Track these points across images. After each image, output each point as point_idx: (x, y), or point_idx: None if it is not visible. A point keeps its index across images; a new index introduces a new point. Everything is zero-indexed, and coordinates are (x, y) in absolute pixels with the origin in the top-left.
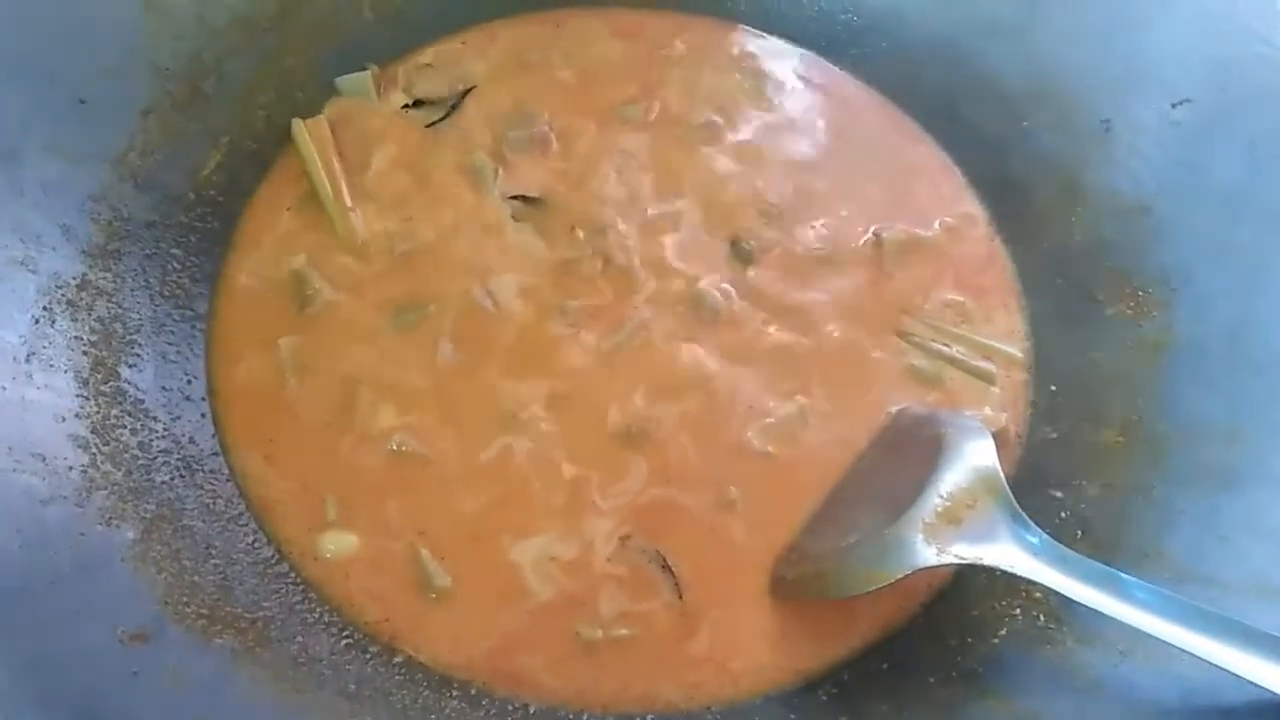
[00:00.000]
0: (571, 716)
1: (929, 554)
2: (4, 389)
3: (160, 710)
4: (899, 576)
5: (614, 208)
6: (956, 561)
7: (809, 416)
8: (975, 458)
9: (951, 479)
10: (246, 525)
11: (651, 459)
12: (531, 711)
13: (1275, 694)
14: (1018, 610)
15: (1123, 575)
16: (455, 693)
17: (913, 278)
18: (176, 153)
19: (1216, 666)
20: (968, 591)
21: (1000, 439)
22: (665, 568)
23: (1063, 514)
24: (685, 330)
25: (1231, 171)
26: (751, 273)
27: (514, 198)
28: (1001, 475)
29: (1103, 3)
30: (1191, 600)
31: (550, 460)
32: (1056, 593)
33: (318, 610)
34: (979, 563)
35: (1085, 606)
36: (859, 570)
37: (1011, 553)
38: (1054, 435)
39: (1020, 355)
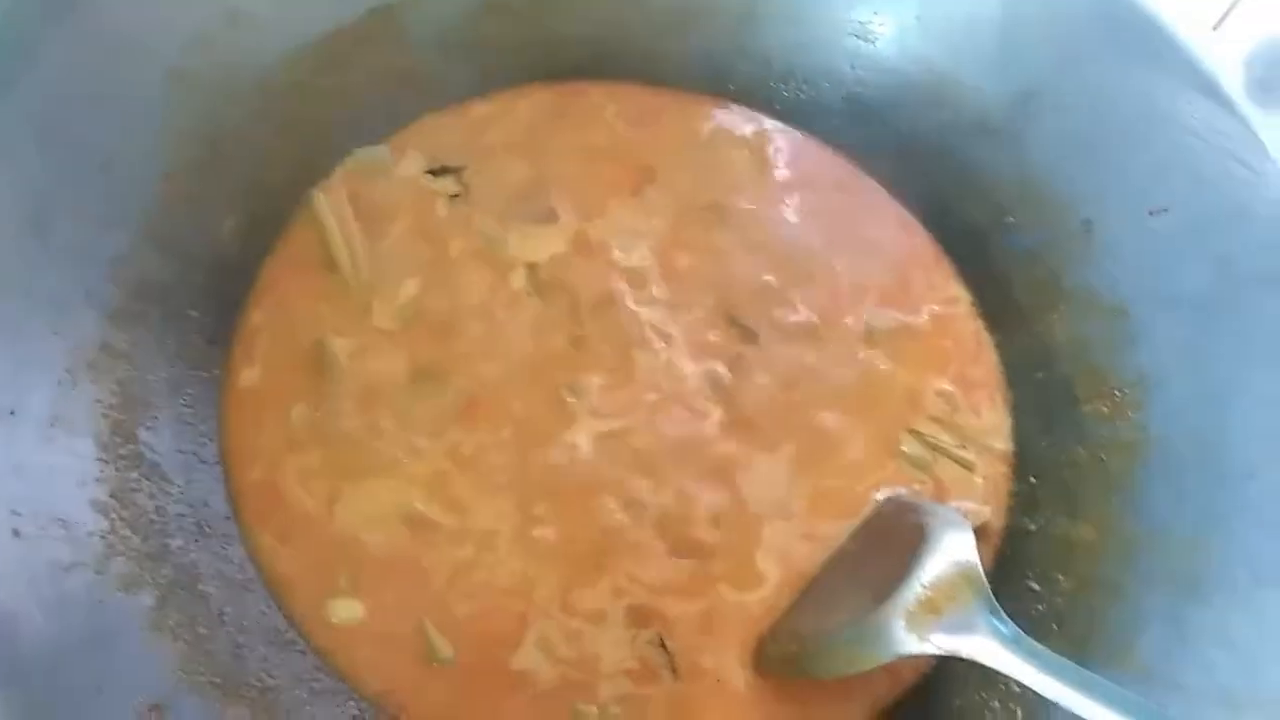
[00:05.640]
0: None
1: (910, 641)
2: (30, 454)
3: None
4: (879, 662)
5: (619, 285)
6: (936, 650)
7: (800, 498)
8: (956, 550)
9: (933, 569)
10: (257, 591)
11: (651, 538)
12: None
13: None
14: (996, 704)
15: (1092, 674)
16: None
17: (904, 365)
18: (196, 215)
19: None
20: (952, 680)
21: (983, 531)
22: (662, 646)
23: (1039, 607)
24: (686, 409)
25: (1203, 282)
26: (749, 354)
27: (525, 265)
28: (980, 569)
29: (1089, 111)
30: (1158, 705)
31: (554, 544)
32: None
33: (325, 680)
34: (956, 653)
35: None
36: (842, 652)
37: (987, 645)
38: (1033, 528)
39: (1003, 448)
